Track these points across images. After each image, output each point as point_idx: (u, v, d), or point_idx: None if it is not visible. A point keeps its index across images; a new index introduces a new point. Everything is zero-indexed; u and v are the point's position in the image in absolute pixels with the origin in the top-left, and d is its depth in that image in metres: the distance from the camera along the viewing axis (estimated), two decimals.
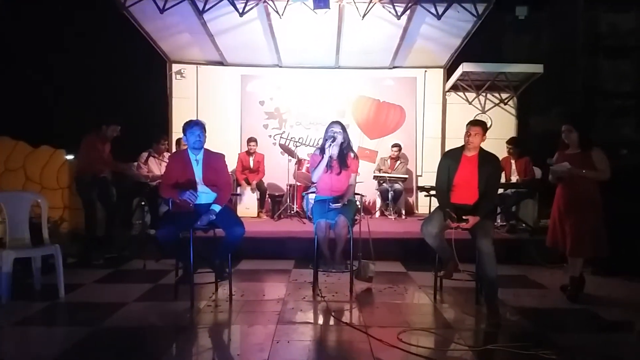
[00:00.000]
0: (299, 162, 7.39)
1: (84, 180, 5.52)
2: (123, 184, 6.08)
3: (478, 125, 3.83)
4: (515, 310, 3.79)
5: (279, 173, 7.86)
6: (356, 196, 4.46)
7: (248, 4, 6.37)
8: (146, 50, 8.26)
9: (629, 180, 4.89)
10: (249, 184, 7.51)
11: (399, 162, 7.92)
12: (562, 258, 4.96)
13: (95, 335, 3.18)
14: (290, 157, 7.45)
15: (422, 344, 3.06)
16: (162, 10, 6.33)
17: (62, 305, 3.89)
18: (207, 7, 6.41)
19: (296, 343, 3.06)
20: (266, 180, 7.82)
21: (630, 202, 4.80)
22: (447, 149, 7.01)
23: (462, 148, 3.90)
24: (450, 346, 3.10)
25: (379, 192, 7.86)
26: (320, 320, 3.60)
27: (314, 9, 6.05)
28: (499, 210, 6.71)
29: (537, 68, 7.93)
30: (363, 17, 6.44)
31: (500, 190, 6.53)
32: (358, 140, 8.50)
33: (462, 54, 8.13)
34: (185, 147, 4.05)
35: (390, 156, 7.95)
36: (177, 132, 8.13)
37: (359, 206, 4.54)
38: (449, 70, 8.56)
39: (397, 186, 7.61)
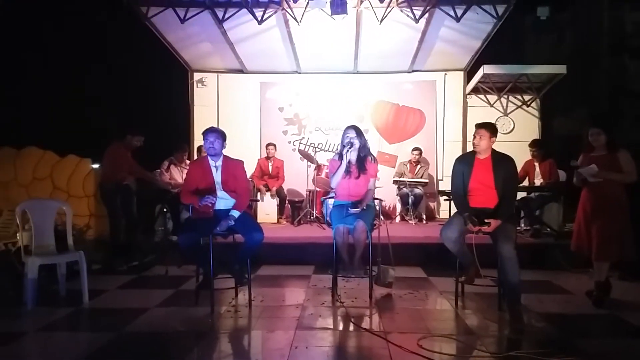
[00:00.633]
0: (318, 168, 7.41)
1: (107, 188, 5.64)
2: (146, 191, 6.18)
3: (483, 128, 3.79)
4: (540, 316, 3.71)
5: (298, 179, 7.89)
6: (375, 201, 4.44)
7: (266, 12, 6.43)
8: (168, 59, 8.44)
9: None
10: (268, 190, 7.55)
11: (419, 166, 7.85)
12: (587, 263, 4.84)
13: (118, 341, 3.23)
14: (309, 163, 7.47)
15: (443, 351, 3.02)
16: (182, 20, 6.45)
17: (86, 311, 3.96)
18: (226, 16, 6.52)
19: (315, 349, 3.05)
20: (286, 186, 7.85)
21: None
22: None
23: (474, 152, 3.86)
24: (472, 353, 3.04)
25: (399, 197, 7.80)
26: (340, 326, 3.58)
27: (331, 15, 6.08)
28: (522, 214, 6.60)
29: (560, 69, 7.80)
30: (381, 21, 6.44)
31: (524, 194, 6.42)
32: (377, 144, 8.48)
33: (483, 56, 8.05)
34: (205, 154, 4.11)
35: (410, 160, 7.89)
36: (198, 140, 8.24)
37: (378, 211, 4.51)
38: (470, 73, 8.48)
39: (418, 191, 7.54)
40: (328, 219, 4.62)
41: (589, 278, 4.52)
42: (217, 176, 3.99)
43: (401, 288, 4.49)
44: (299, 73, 8.73)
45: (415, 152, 7.83)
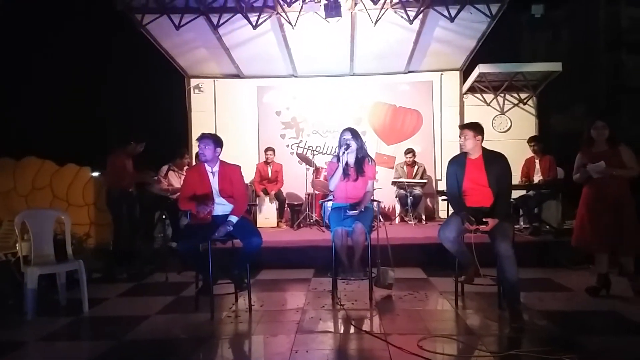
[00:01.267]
0: (317, 171, 7.41)
1: (114, 195, 5.67)
2: (145, 198, 6.19)
3: (465, 128, 3.81)
4: (540, 314, 3.71)
5: (297, 182, 7.90)
6: (373, 202, 4.44)
7: (261, 16, 6.44)
8: (165, 66, 8.45)
9: None
10: (267, 194, 7.56)
11: (416, 167, 7.85)
12: (587, 259, 4.85)
13: (118, 349, 3.23)
14: (308, 166, 7.47)
15: (444, 351, 3.02)
16: (177, 27, 6.47)
17: (86, 320, 3.96)
18: (221, 21, 6.53)
19: (315, 352, 3.05)
20: (285, 189, 7.86)
21: None
22: None
23: (466, 152, 3.87)
24: (473, 353, 3.04)
25: (397, 198, 7.80)
26: (340, 329, 3.58)
27: (325, 18, 6.09)
28: (521, 212, 6.60)
29: (556, 66, 7.81)
30: (375, 23, 6.45)
31: (523, 192, 6.42)
32: (375, 146, 8.49)
33: (478, 56, 8.06)
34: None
35: (405, 162, 7.88)
36: (196, 146, 8.23)
37: (377, 212, 4.51)
38: (466, 73, 8.50)
39: (416, 191, 7.54)
40: (327, 221, 4.61)
41: (589, 275, 4.53)
42: (214, 182, 4.00)
43: (401, 289, 4.48)
44: (296, 76, 8.74)
45: (409, 155, 7.82)
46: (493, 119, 8.41)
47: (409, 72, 8.64)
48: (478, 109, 8.48)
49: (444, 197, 6.37)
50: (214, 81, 8.79)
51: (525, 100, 8.48)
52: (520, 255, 3.54)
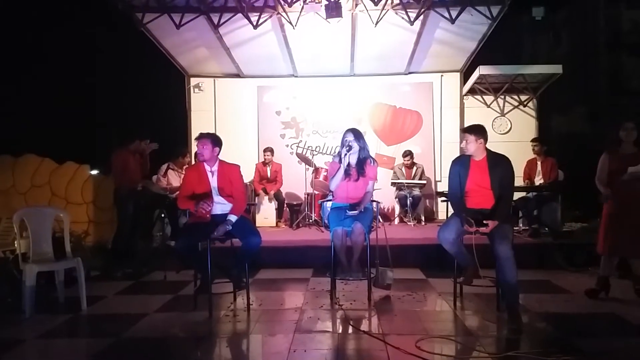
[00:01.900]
0: (316, 171, 7.41)
1: (122, 194, 5.68)
2: (143, 196, 6.19)
3: (466, 132, 3.76)
4: (539, 316, 3.71)
5: (297, 182, 7.89)
6: (372, 203, 4.44)
7: (262, 16, 6.44)
8: (165, 65, 8.43)
9: None
10: (266, 193, 7.56)
11: (415, 168, 7.84)
12: (586, 262, 4.85)
13: (116, 346, 3.22)
14: (307, 166, 7.47)
15: (442, 352, 3.02)
16: (178, 26, 6.46)
17: (84, 318, 3.96)
18: (222, 21, 6.53)
19: (313, 352, 3.05)
20: (284, 189, 7.85)
21: None
22: None
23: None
24: (471, 354, 3.04)
25: (397, 199, 7.79)
26: (338, 329, 3.57)
27: (326, 18, 6.09)
28: (521, 214, 6.60)
29: (556, 69, 7.82)
30: (376, 24, 6.45)
31: (522, 194, 6.42)
32: (375, 147, 8.49)
33: (479, 57, 8.07)
34: None
35: (404, 163, 7.88)
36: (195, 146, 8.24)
37: (376, 213, 4.51)
38: (466, 74, 8.50)
39: (416, 192, 7.54)
40: (326, 221, 4.61)
41: (588, 277, 4.52)
42: (213, 181, 4.00)
43: (400, 290, 4.48)
44: (296, 76, 8.74)
45: (407, 157, 7.80)
46: (493, 120, 8.41)
47: (410, 73, 8.64)
48: (478, 111, 8.49)
49: (444, 199, 6.39)
50: (214, 80, 8.79)
51: (525, 102, 8.49)
52: (520, 257, 3.54)
